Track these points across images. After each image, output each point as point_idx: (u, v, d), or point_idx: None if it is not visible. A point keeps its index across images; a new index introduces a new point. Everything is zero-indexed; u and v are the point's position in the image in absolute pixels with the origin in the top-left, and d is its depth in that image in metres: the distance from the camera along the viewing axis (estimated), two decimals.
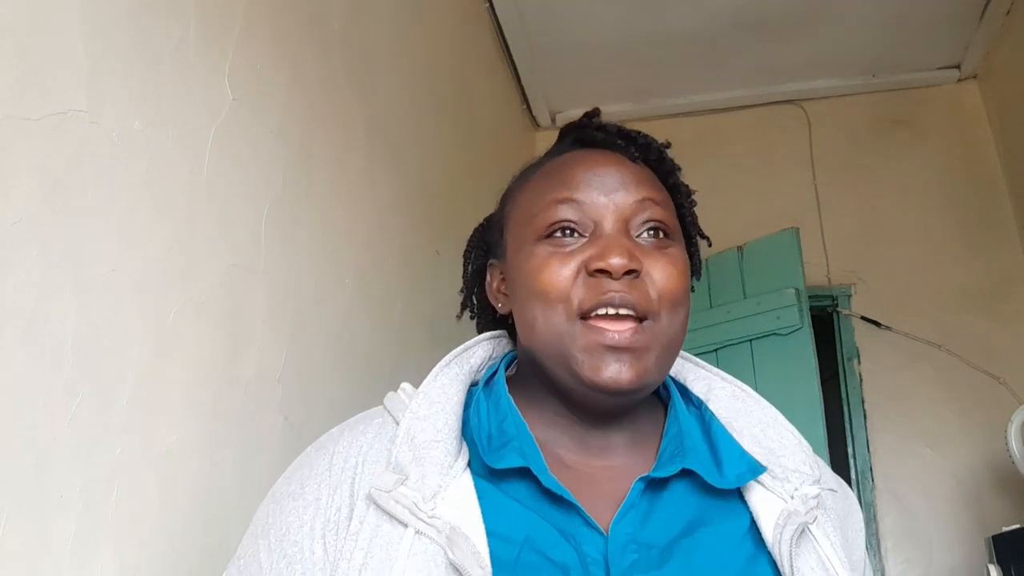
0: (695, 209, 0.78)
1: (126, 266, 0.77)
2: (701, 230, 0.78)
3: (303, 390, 1.09)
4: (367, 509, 0.59)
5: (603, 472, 0.67)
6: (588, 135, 0.76)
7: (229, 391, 0.92)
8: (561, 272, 0.66)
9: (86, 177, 0.72)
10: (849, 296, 2.66)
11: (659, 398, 0.75)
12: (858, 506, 0.75)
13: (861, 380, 2.58)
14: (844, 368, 2.60)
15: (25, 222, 0.65)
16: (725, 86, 2.89)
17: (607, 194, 0.68)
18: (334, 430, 0.68)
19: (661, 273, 0.66)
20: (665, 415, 0.73)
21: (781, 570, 0.61)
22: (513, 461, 0.61)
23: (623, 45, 2.65)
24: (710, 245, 0.81)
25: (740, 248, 2.45)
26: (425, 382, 0.68)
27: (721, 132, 2.92)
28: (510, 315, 0.74)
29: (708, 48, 2.67)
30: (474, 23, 2.33)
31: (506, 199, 0.78)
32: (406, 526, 0.58)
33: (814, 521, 0.65)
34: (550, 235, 0.68)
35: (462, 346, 0.73)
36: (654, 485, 0.64)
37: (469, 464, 0.63)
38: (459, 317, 0.85)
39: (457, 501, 0.59)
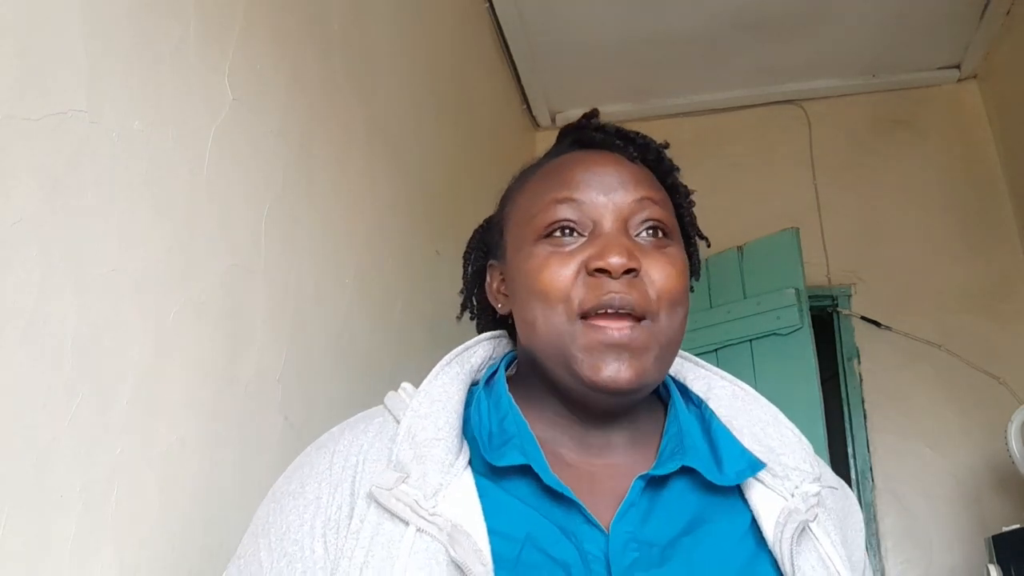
0: (694, 209, 0.78)
1: (126, 266, 0.77)
2: (700, 230, 0.79)
3: (303, 390, 1.09)
4: (368, 507, 0.59)
5: (603, 470, 0.67)
6: (587, 136, 0.76)
7: (229, 391, 0.92)
8: (561, 272, 0.66)
9: (86, 177, 0.72)
10: (849, 296, 2.66)
11: (659, 397, 0.76)
12: (858, 506, 0.75)
13: (861, 380, 2.58)
14: (844, 368, 2.60)
15: (25, 222, 0.65)
16: (725, 86, 2.89)
17: (606, 193, 0.68)
18: (335, 429, 0.68)
19: (660, 273, 0.66)
20: (665, 414, 0.73)
21: (782, 569, 0.61)
22: (514, 459, 0.61)
23: (623, 45, 2.65)
24: (709, 246, 0.81)
25: (740, 248, 2.45)
26: (426, 381, 0.68)
27: (721, 132, 2.92)
28: (510, 315, 0.74)
29: (708, 48, 2.67)
30: (474, 23, 2.33)
31: (505, 200, 0.78)
32: (407, 524, 0.58)
33: (815, 519, 0.65)
34: (549, 235, 0.68)
35: (463, 345, 0.74)
36: (654, 483, 0.64)
37: (470, 462, 0.63)
38: (459, 318, 0.85)
39: (458, 499, 0.59)
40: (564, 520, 0.61)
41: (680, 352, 0.74)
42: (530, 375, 0.72)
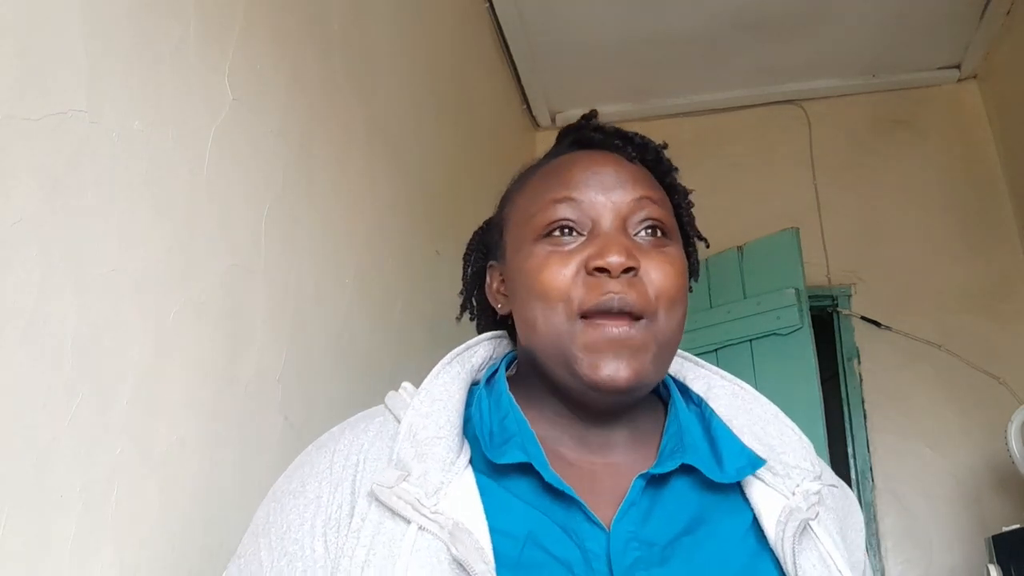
0: (693, 210, 0.78)
1: (126, 266, 0.77)
2: (698, 231, 0.79)
3: (303, 390, 1.09)
4: (369, 506, 0.60)
5: (604, 469, 0.67)
6: (586, 136, 0.76)
7: (229, 391, 0.92)
8: (561, 272, 0.66)
9: (86, 177, 0.72)
10: (849, 296, 2.66)
11: (659, 397, 0.76)
12: (858, 507, 0.75)
13: (861, 380, 2.58)
14: (844, 368, 2.60)
15: (25, 222, 0.65)
16: (725, 86, 2.89)
17: (605, 192, 0.69)
18: (335, 428, 0.69)
19: (659, 272, 0.66)
20: (666, 413, 0.73)
21: (784, 568, 0.61)
22: (515, 456, 0.61)
23: (623, 45, 2.65)
24: (708, 246, 0.81)
25: (740, 248, 2.45)
26: (427, 380, 0.68)
27: (721, 132, 2.92)
28: (510, 316, 0.74)
29: (708, 48, 2.67)
30: (474, 23, 2.33)
31: (505, 201, 0.79)
32: (409, 522, 0.58)
33: (815, 517, 0.65)
34: (549, 234, 0.68)
35: (463, 345, 0.74)
36: (655, 482, 0.64)
37: (471, 461, 0.63)
38: (459, 319, 0.85)
39: (459, 497, 0.59)
40: (565, 518, 0.61)
41: (680, 352, 0.74)
42: (530, 375, 0.72)
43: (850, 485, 2.37)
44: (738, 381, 0.76)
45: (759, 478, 0.67)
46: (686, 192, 0.77)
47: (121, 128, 0.77)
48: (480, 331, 0.81)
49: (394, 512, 0.58)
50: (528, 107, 2.90)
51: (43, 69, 0.68)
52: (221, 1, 0.98)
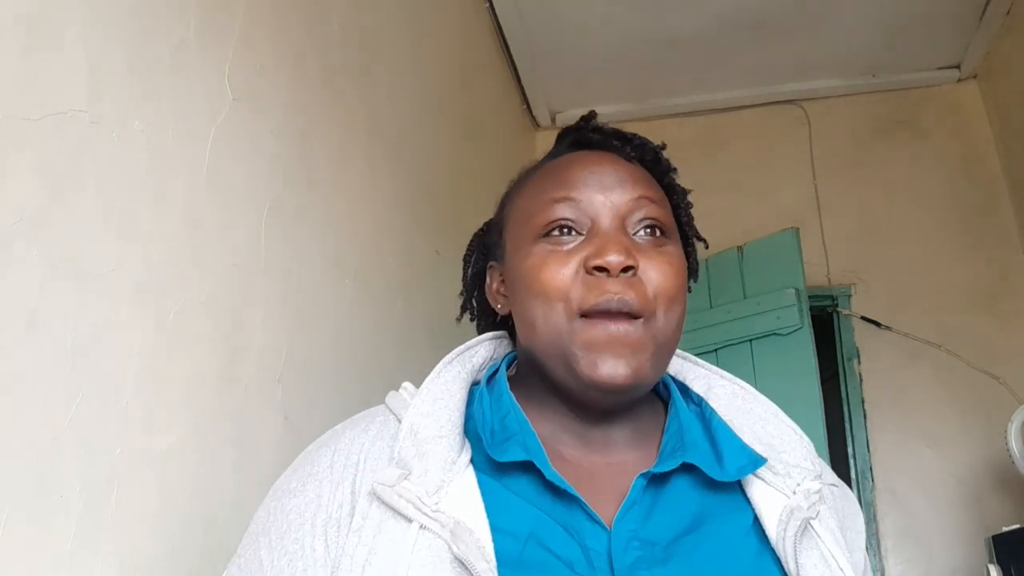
0: (692, 210, 0.78)
1: (126, 266, 0.77)
2: (697, 231, 0.79)
3: (303, 390, 1.09)
4: (370, 505, 0.60)
5: (605, 468, 0.67)
6: (585, 137, 0.76)
7: (229, 391, 0.92)
8: (560, 271, 0.66)
9: (86, 177, 0.72)
10: (849, 296, 2.66)
11: (659, 396, 0.76)
12: (859, 508, 0.75)
13: (861, 380, 2.58)
14: (844, 368, 2.60)
15: (25, 222, 0.65)
16: (725, 86, 2.89)
17: (604, 192, 0.69)
18: (336, 428, 0.69)
19: (657, 271, 0.66)
20: (666, 412, 0.73)
21: (785, 567, 0.61)
22: (516, 454, 0.61)
23: (623, 45, 2.65)
24: (707, 247, 0.81)
25: (740, 248, 2.45)
26: (428, 379, 0.68)
27: (721, 132, 2.93)
28: (510, 317, 0.75)
29: (708, 48, 2.67)
30: (474, 23, 2.33)
31: (504, 202, 0.79)
32: (410, 521, 0.58)
33: (816, 516, 0.65)
34: (548, 234, 0.68)
35: (464, 345, 0.74)
36: (656, 481, 0.64)
37: (472, 460, 0.63)
38: (459, 320, 0.85)
39: (460, 496, 0.59)
40: (566, 517, 0.61)
41: (680, 352, 0.74)
42: (530, 375, 0.72)
43: (850, 485, 2.37)
44: (738, 381, 0.76)
45: (760, 477, 0.67)
46: (685, 192, 0.77)
47: (121, 128, 0.77)
48: (480, 332, 0.81)
49: (395, 511, 0.58)
50: (528, 107, 2.90)
51: (43, 69, 0.68)
52: (221, 1, 0.98)
